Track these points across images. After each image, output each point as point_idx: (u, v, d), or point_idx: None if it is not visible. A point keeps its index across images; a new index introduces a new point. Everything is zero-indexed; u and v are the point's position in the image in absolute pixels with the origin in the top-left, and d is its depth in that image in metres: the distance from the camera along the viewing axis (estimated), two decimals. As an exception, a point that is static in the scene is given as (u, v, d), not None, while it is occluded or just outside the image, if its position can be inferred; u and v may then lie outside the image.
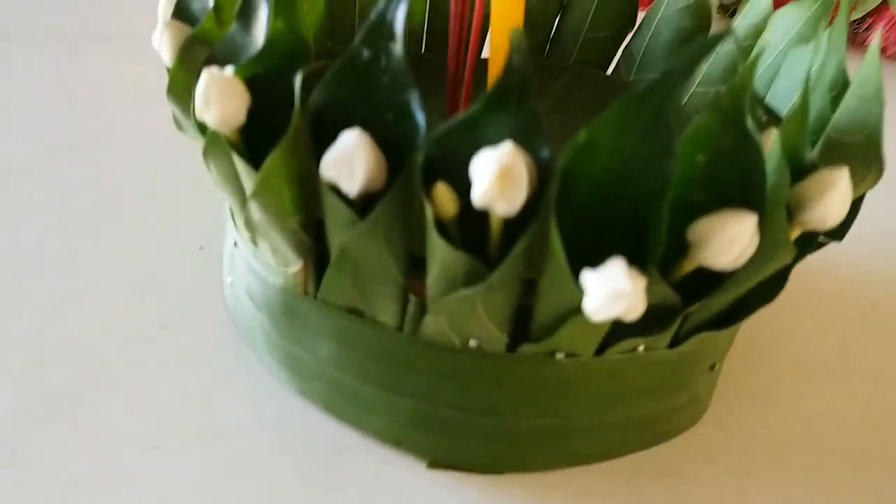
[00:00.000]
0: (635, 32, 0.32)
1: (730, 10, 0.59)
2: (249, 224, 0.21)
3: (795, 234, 0.19)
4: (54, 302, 0.25)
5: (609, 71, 0.33)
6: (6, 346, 0.24)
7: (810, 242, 0.19)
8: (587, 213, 0.17)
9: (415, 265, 0.19)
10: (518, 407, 0.20)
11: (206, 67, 0.18)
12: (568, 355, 0.19)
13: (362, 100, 0.18)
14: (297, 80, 0.18)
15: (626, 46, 0.32)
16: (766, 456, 0.24)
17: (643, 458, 0.23)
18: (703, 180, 0.18)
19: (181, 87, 0.21)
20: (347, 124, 0.18)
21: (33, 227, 0.29)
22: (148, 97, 0.38)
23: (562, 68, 0.32)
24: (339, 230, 0.18)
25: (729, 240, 0.17)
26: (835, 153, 0.20)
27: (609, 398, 0.21)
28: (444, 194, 0.17)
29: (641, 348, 0.20)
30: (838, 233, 0.22)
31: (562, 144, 0.16)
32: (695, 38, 0.31)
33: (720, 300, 0.19)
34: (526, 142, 0.16)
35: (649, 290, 0.17)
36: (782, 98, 0.26)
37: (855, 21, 0.58)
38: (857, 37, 0.59)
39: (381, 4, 0.17)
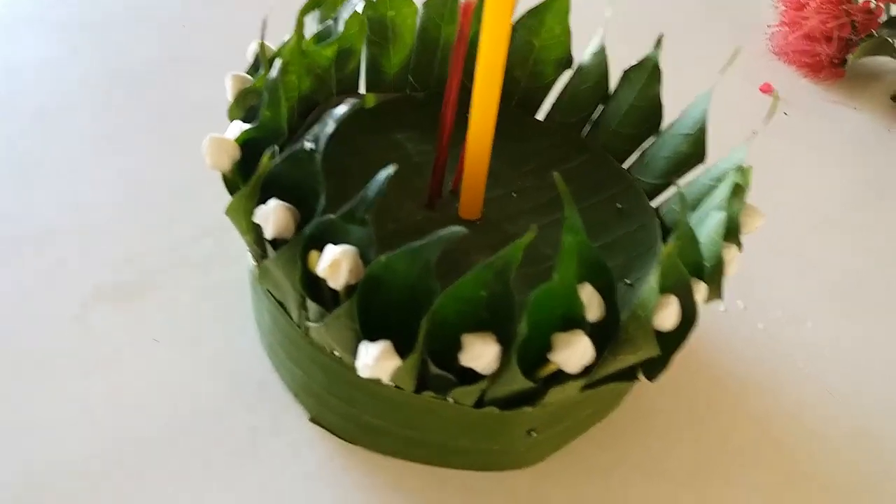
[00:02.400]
0: (653, 140, 0.36)
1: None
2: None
3: (552, 368, 0.25)
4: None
5: (628, 163, 0.38)
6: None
7: (563, 378, 0.25)
8: (384, 303, 0.25)
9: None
10: (362, 405, 0.29)
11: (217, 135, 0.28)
12: (396, 385, 0.28)
13: (295, 176, 0.27)
14: (265, 156, 0.27)
15: (643, 148, 0.37)
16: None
17: (467, 476, 0.31)
18: (486, 306, 0.25)
19: (235, 116, 0.31)
20: (285, 188, 0.27)
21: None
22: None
23: (587, 149, 0.38)
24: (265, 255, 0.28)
25: (475, 354, 0.24)
26: (634, 322, 0.26)
27: (427, 422, 0.29)
28: (314, 258, 0.26)
29: (451, 399, 0.28)
30: (651, 374, 0.28)
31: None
32: (688, 161, 0.35)
33: (491, 391, 0.26)
34: (361, 247, 0.25)
35: (416, 367, 0.25)
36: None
37: None
38: None
39: (316, 127, 0.26)
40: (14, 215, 0.37)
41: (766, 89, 0.55)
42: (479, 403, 0.27)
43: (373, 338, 0.25)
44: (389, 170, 0.25)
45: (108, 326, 0.33)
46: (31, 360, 0.31)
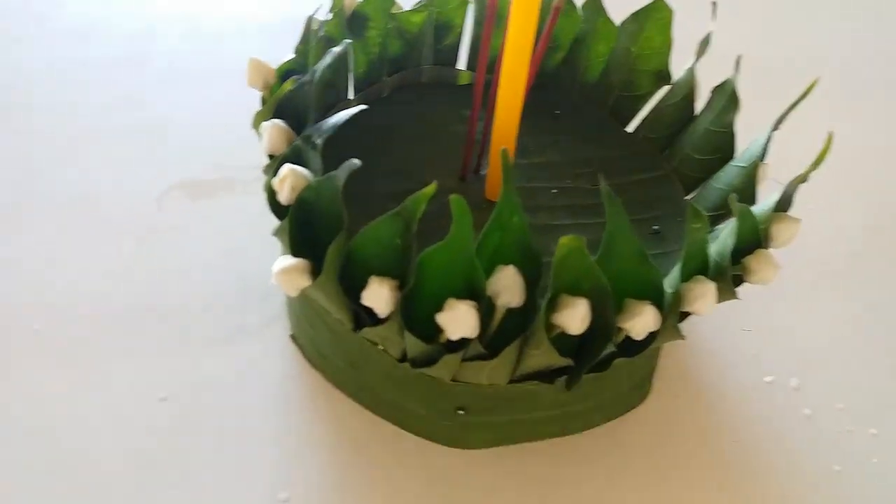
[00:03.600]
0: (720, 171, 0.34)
1: None
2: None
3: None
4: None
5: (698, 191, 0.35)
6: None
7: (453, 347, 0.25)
8: (319, 229, 0.26)
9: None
10: (319, 332, 0.31)
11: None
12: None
13: (297, 103, 0.29)
14: (287, 82, 0.30)
15: (709, 179, 0.34)
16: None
17: (397, 432, 0.31)
18: (403, 257, 0.25)
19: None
20: (298, 111, 0.30)
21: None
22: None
23: (657, 167, 0.36)
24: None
25: (372, 292, 0.25)
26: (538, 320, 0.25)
27: (364, 364, 0.30)
28: (287, 176, 0.28)
29: (381, 347, 0.29)
30: (569, 382, 0.27)
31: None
32: (738, 195, 0.32)
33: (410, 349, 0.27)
34: (313, 170, 0.27)
35: (333, 294, 0.26)
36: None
37: None
38: None
39: (320, 62, 0.28)
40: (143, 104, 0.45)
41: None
42: (403, 358, 0.28)
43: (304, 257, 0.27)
44: (354, 109, 0.26)
45: (176, 209, 0.39)
46: (106, 212, 0.38)
